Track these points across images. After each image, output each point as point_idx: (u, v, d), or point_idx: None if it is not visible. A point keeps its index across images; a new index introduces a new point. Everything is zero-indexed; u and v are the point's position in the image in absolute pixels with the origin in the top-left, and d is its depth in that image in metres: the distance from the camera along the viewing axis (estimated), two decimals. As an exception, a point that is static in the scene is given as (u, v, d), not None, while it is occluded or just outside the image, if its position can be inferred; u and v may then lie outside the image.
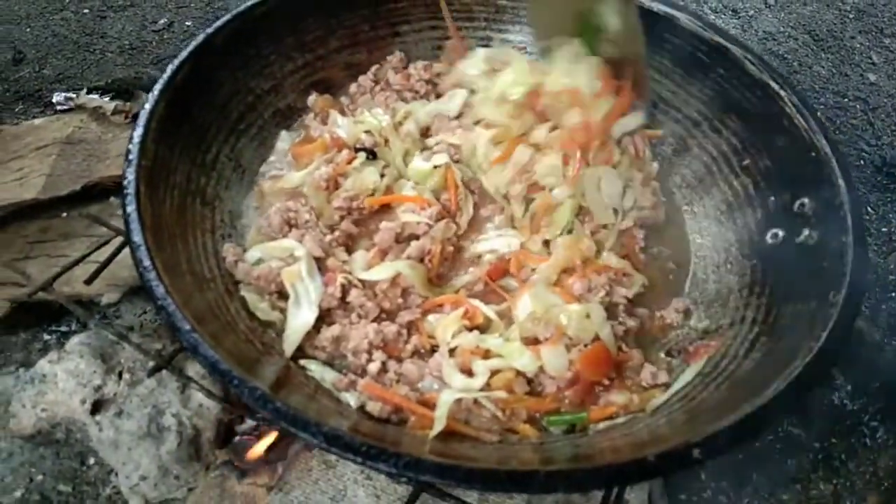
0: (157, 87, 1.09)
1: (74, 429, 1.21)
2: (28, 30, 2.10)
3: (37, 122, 1.71)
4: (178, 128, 1.12)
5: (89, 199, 1.49)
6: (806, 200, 1.13)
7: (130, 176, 0.98)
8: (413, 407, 0.97)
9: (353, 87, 1.39)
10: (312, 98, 1.36)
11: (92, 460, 1.23)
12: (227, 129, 1.23)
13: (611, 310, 1.11)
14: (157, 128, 1.06)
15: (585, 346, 1.04)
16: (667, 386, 1.05)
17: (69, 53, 2.03)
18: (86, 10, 2.18)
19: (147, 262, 0.90)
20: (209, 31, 1.19)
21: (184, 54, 1.14)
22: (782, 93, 1.19)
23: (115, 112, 1.69)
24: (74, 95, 1.81)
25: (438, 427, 0.93)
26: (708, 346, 1.09)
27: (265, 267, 1.09)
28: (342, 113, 1.34)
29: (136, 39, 2.09)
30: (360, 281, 1.10)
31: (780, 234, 1.16)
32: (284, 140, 1.33)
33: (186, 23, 2.16)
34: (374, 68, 1.40)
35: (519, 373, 1.01)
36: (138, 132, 1.03)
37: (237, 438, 1.24)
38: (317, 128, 1.31)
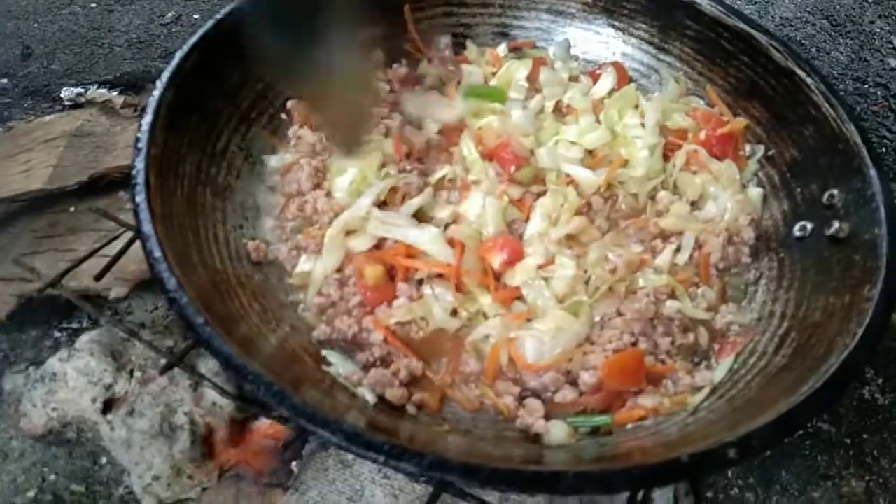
0: (166, 74, 1.06)
1: (86, 428, 1.19)
2: (35, 25, 2.07)
3: (47, 118, 1.69)
4: (188, 116, 1.09)
5: (97, 194, 1.47)
6: (835, 192, 1.09)
7: (140, 165, 0.94)
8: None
9: None
10: (291, 103, 1.27)
11: (104, 460, 1.21)
12: (238, 117, 1.19)
13: (663, 322, 1.05)
14: (167, 115, 1.02)
15: (615, 351, 0.99)
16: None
17: (77, 48, 2.01)
18: (93, 5, 2.15)
19: (158, 253, 0.87)
20: (218, 16, 1.17)
21: (192, 40, 1.11)
22: (809, 81, 1.15)
23: (125, 105, 1.67)
24: (83, 90, 1.79)
25: None
26: (735, 342, 1.06)
27: None
28: None
29: (143, 33, 2.06)
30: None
31: (809, 226, 1.12)
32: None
33: (194, 16, 2.13)
34: None
35: None
36: (147, 119, 1.00)
37: (252, 437, 1.21)
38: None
